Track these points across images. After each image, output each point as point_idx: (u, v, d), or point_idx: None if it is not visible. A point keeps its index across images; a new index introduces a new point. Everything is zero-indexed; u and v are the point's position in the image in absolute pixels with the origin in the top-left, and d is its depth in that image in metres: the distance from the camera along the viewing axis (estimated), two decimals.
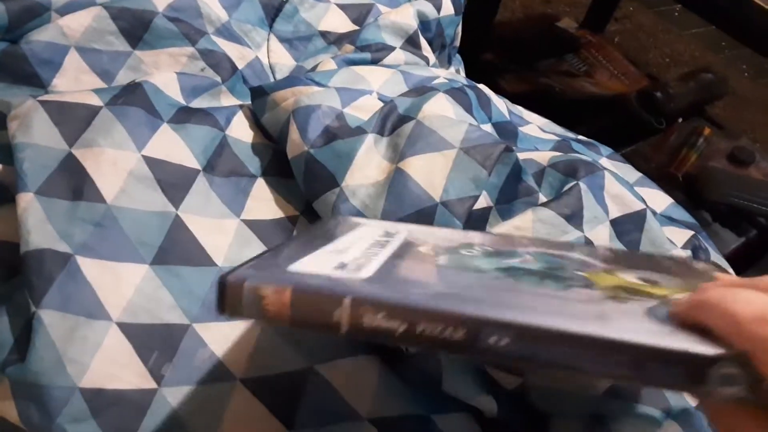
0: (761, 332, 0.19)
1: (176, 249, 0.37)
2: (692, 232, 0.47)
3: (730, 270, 0.46)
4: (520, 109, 0.60)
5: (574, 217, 0.40)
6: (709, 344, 0.19)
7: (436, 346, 0.20)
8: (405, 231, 0.33)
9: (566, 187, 0.41)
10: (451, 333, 0.20)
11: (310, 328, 0.21)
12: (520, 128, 0.54)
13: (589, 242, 0.40)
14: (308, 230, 0.30)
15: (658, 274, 0.29)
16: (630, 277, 0.28)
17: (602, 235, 0.40)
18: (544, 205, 0.40)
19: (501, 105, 0.54)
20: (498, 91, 0.56)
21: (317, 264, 0.25)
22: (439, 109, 0.43)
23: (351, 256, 0.26)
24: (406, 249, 0.29)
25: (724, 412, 0.21)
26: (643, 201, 0.44)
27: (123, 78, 0.46)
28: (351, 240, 0.30)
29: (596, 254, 0.32)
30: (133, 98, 0.40)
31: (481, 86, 0.54)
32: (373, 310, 0.21)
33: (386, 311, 0.21)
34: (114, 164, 0.37)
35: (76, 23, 0.45)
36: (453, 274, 0.26)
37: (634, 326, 0.20)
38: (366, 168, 0.40)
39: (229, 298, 0.22)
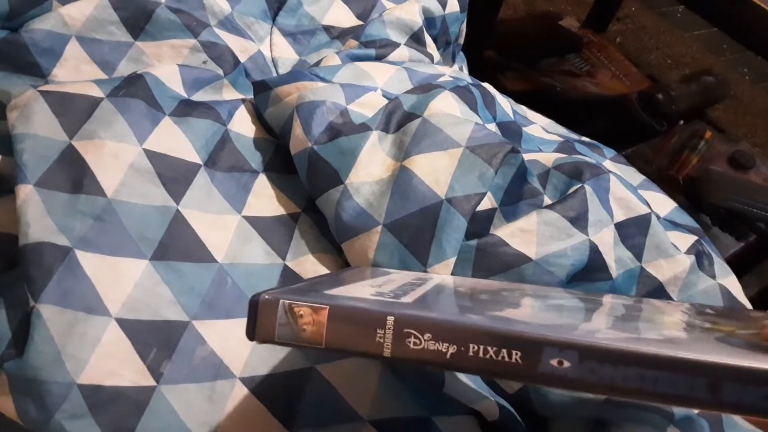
0: None
1: (177, 244, 0.37)
2: (695, 237, 0.46)
3: (733, 276, 0.45)
4: (524, 109, 0.60)
5: (579, 220, 0.39)
6: None
7: (490, 372, 0.18)
8: (439, 278, 0.31)
9: (571, 190, 0.41)
10: (506, 356, 0.18)
11: (350, 352, 0.19)
12: (524, 128, 0.54)
13: (594, 247, 0.39)
14: (332, 275, 0.28)
15: (714, 317, 0.27)
16: (687, 319, 0.26)
17: (606, 239, 0.40)
18: (549, 207, 0.40)
19: (505, 104, 0.54)
20: (499, 89, 0.56)
21: (355, 291, 0.23)
22: (446, 107, 0.43)
23: (388, 289, 0.24)
24: (443, 288, 0.27)
25: None
26: (648, 205, 0.43)
27: (124, 69, 0.45)
28: (383, 280, 0.28)
29: (643, 302, 0.31)
30: (134, 90, 0.40)
31: (486, 85, 0.53)
32: (419, 330, 0.19)
33: (434, 332, 0.19)
34: (115, 157, 0.37)
35: (78, 12, 0.44)
36: (500, 305, 0.24)
37: (710, 348, 0.19)
38: (370, 165, 0.40)
39: (262, 318, 0.20)
